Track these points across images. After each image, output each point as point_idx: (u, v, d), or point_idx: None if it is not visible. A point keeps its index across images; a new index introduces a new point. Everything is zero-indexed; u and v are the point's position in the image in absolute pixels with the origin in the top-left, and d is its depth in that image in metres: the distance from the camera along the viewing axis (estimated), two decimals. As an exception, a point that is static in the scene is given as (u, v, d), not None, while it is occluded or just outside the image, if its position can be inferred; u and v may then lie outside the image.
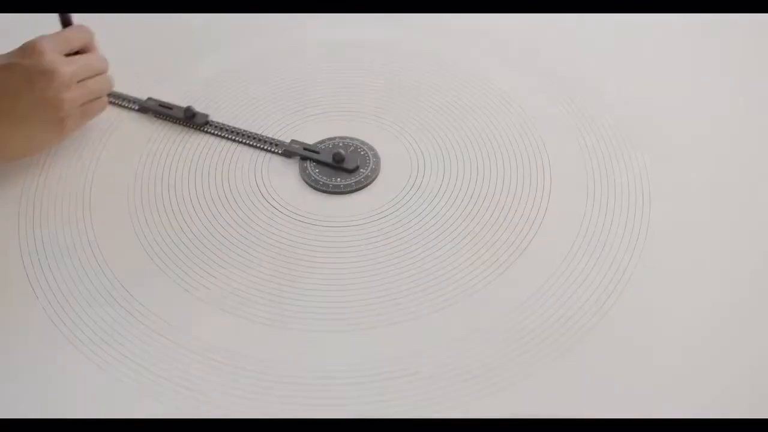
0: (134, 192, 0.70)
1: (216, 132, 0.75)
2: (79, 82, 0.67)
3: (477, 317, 0.60)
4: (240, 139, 0.75)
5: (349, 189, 0.70)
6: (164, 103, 0.77)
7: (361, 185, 0.71)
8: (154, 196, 0.70)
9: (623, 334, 0.59)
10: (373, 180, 0.71)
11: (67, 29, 0.70)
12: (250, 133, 0.75)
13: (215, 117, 0.77)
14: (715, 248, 0.65)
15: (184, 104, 0.77)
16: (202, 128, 0.75)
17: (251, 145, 0.74)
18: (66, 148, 0.74)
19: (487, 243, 0.66)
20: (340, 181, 0.71)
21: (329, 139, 0.75)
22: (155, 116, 0.77)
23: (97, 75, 0.70)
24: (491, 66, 0.83)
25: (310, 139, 0.75)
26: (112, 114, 0.77)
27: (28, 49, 0.65)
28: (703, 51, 0.85)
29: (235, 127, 0.75)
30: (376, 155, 0.73)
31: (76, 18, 0.73)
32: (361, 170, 0.72)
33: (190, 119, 0.75)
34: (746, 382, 0.56)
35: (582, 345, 0.58)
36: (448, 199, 0.69)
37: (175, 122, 0.76)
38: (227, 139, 0.75)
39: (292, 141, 0.74)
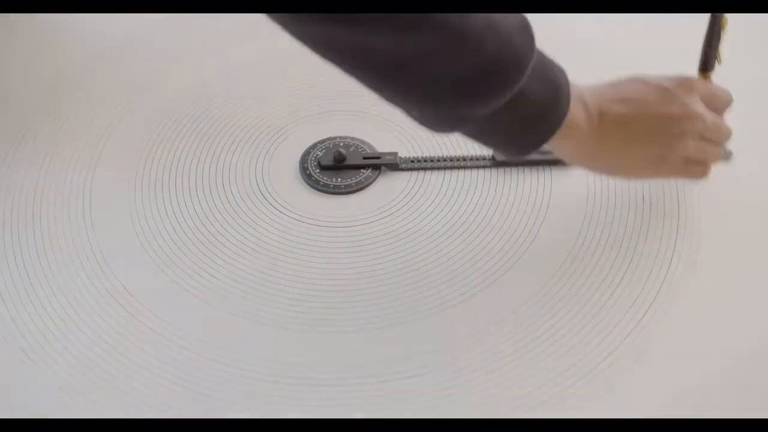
0: (134, 192, 0.70)
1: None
2: (702, 138, 0.60)
3: (478, 317, 0.60)
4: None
5: (349, 189, 0.70)
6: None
7: (361, 185, 0.70)
8: (155, 196, 0.70)
9: (621, 333, 0.59)
10: (373, 180, 0.71)
11: (717, 88, 0.63)
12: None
13: (215, 116, 0.77)
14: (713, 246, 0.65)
15: (188, 101, 0.77)
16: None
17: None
18: (66, 147, 0.74)
19: (488, 243, 0.66)
20: (340, 181, 0.71)
21: (329, 139, 0.75)
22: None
23: (715, 142, 0.62)
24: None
25: (310, 139, 0.74)
26: (116, 115, 0.77)
27: (682, 82, 0.59)
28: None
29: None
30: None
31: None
32: (361, 170, 0.72)
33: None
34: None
35: (581, 344, 0.58)
36: (448, 198, 0.69)
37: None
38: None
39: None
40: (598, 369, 0.57)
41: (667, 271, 0.63)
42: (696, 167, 0.62)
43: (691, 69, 0.63)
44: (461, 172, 0.71)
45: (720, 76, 0.64)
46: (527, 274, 0.63)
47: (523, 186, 0.70)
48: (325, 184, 0.70)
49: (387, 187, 0.71)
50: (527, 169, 0.71)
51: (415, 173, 0.72)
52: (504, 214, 0.68)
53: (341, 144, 0.74)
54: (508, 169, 0.71)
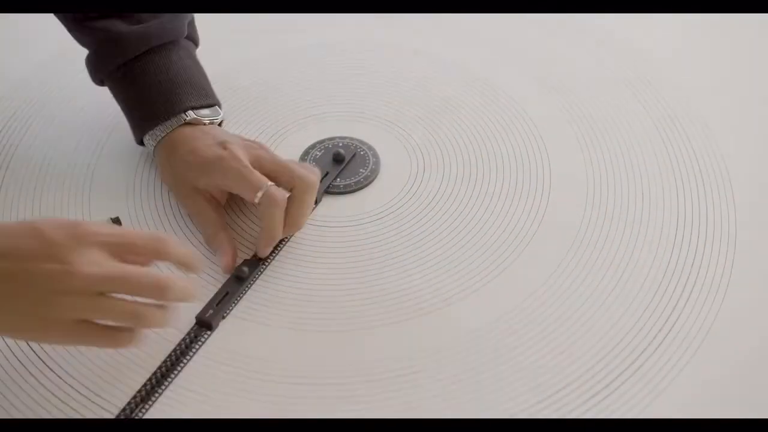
0: (134, 192, 0.70)
1: None
2: (101, 294, 0.50)
3: (478, 317, 0.60)
4: None
5: (349, 189, 0.70)
6: None
7: (360, 185, 0.70)
8: (154, 197, 0.70)
9: (621, 331, 0.59)
10: (373, 180, 0.71)
11: (127, 231, 0.54)
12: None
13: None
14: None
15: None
16: None
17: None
18: (66, 147, 0.74)
19: (487, 242, 0.66)
20: (340, 181, 0.71)
21: (329, 139, 0.75)
22: None
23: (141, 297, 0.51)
24: (492, 66, 0.83)
25: (311, 139, 0.74)
26: (116, 115, 0.77)
27: (76, 234, 0.49)
28: (704, 50, 0.85)
29: None
30: (375, 155, 0.73)
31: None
32: (361, 170, 0.72)
33: None
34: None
35: (581, 344, 0.58)
36: (447, 198, 0.69)
37: None
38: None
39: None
40: (598, 368, 0.57)
41: (666, 270, 0.63)
42: (111, 334, 0.52)
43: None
44: (461, 172, 0.71)
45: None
46: (527, 272, 0.63)
47: (523, 182, 0.70)
48: (324, 184, 0.70)
49: (387, 186, 0.71)
50: (520, 168, 0.71)
51: (414, 173, 0.72)
52: (504, 210, 0.68)
53: (341, 144, 0.74)
54: (501, 170, 0.71)
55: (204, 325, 0.59)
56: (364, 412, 0.55)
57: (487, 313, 0.61)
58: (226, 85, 0.81)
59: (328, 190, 0.70)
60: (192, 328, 0.59)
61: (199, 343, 0.58)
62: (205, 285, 0.62)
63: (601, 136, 0.75)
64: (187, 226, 0.68)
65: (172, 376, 0.56)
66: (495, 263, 0.64)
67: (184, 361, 0.57)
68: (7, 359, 0.58)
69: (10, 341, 0.59)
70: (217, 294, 0.61)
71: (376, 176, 0.71)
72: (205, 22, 0.86)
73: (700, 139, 0.74)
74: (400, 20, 0.88)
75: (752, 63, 0.83)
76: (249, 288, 0.62)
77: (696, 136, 0.75)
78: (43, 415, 0.54)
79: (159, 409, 0.55)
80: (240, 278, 0.61)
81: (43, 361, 0.58)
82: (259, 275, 0.63)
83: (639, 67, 0.82)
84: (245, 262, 0.63)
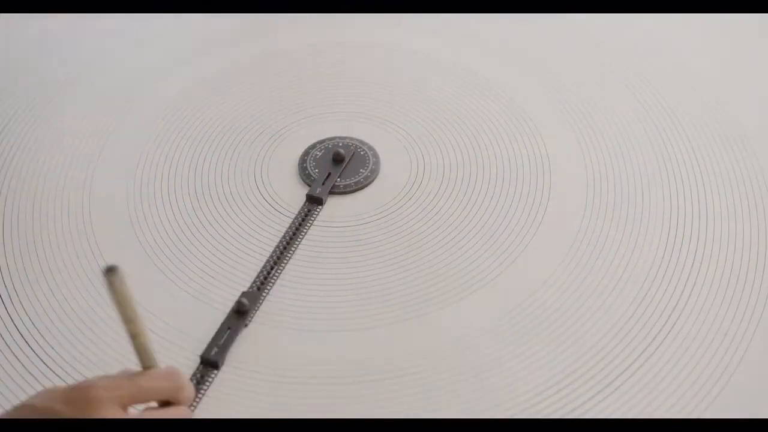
0: (133, 192, 0.70)
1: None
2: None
3: (477, 316, 0.60)
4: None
5: (348, 189, 0.70)
6: None
7: (360, 185, 0.71)
8: (154, 197, 0.70)
9: (621, 331, 0.59)
10: (373, 180, 0.71)
11: (146, 375, 0.46)
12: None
13: (216, 116, 0.77)
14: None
15: (189, 101, 0.77)
16: None
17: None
18: (66, 147, 0.74)
19: (487, 242, 0.66)
20: (340, 181, 0.71)
21: (329, 139, 0.75)
22: None
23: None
24: (492, 66, 0.83)
25: (311, 139, 0.75)
26: (116, 114, 0.77)
27: (81, 401, 0.44)
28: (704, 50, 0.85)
29: None
30: (375, 155, 0.73)
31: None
32: (361, 170, 0.72)
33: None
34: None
35: (581, 344, 0.58)
36: (447, 198, 0.69)
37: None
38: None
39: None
40: (598, 368, 0.57)
41: (666, 270, 0.63)
42: None
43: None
44: (460, 171, 0.71)
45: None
46: (528, 272, 0.63)
47: (523, 182, 0.70)
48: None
49: (387, 186, 0.71)
50: (520, 168, 0.72)
51: (414, 173, 0.72)
52: (504, 211, 0.68)
53: (340, 144, 0.74)
54: (501, 171, 0.71)
55: (210, 364, 0.57)
56: (365, 413, 0.55)
57: (487, 313, 0.61)
58: (226, 85, 0.81)
59: (330, 191, 0.70)
60: (198, 368, 0.57)
61: (207, 383, 0.56)
62: (205, 320, 0.60)
63: (602, 136, 0.75)
64: (188, 226, 0.68)
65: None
66: (495, 263, 0.64)
67: (194, 404, 0.55)
68: (8, 360, 0.58)
69: (10, 342, 0.59)
70: (219, 331, 0.59)
71: (376, 176, 0.71)
72: (205, 22, 0.86)
73: (700, 139, 0.74)
74: (400, 20, 0.88)
75: (752, 62, 0.83)
76: (251, 321, 0.60)
77: (696, 135, 0.75)
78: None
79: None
80: (240, 312, 0.60)
81: (45, 364, 0.58)
82: (259, 307, 0.61)
83: (639, 67, 0.82)
84: (244, 295, 0.61)
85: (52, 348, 0.59)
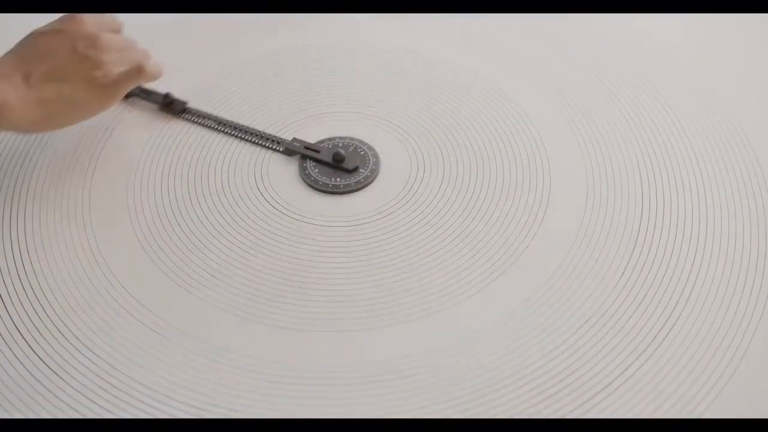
0: (133, 193, 0.70)
1: (197, 120, 0.76)
2: (117, 51, 0.69)
3: (477, 317, 0.60)
4: (237, 134, 0.75)
5: (348, 189, 0.70)
6: (146, 90, 0.79)
7: (360, 185, 0.71)
8: (154, 197, 0.70)
9: (621, 331, 0.59)
10: (373, 180, 0.71)
11: (101, 15, 0.72)
12: (250, 128, 0.75)
13: (216, 115, 0.77)
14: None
15: (189, 100, 0.77)
16: (180, 116, 0.77)
17: (252, 142, 0.74)
18: (65, 147, 0.74)
19: (487, 243, 0.66)
20: (339, 181, 0.71)
21: (329, 139, 0.75)
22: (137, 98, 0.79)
23: (132, 48, 0.72)
24: (492, 66, 0.83)
25: (311, 139, 0.75)
26: (116, 114, 0.77)
27: (68, 19, 0.68)
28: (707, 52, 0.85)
29: (217, 117, 0.77)
30: (375, 155, 0.73)
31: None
32: (361, 170, 0.72)
33: (168, 106, 0.77)
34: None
35: (581, 344, 0.58)
36: (447, 198, 0.69)
37: (160, 109, 0.78)
38: (217, 130, 0.75)
39: (294, 139, 0.74)
40: (598, 368, 0.57)
41: (666, 270, 0.63)
42: (133, 73, 0.70)
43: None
44: (460, 172, 0.71)
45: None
46: (528, 272, 0.63)
47: (523, 182, 0.70)
48: (324, 184, 0.71)
49: (387, 186, 0.71)
50: (520, 168, 0.72)
51: (414, 173, 0.72)
52: (504, 210, 0.68)
53: (341, 144, 0.74)
54: (501, 170, 0.71)
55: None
56: (365, 413, 0.55)
57: (487, 313, 0.61)
58: (226, 85, 0.81)
59: (330, 191, 0.70)
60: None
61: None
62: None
63: (602, 136, 0.75)
64: (186, 226, 0.68)
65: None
66: (495, 263, 0.64)
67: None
68: (8, 360, 0.58)
69: (10, 341, 0.59)
70: None
71: (376, 176, 0.71)
72: (204, 22, 0.86)
73: (700, 139, 0.74)
74: (400, 20, 0.88)
75: (752, 62, 0.83)
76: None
77: (696, 136, 0.75)
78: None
79: (160, 409, 0.55)
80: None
81: (49, 367, 0.58)
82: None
83: (639, 67, 0.82)
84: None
85: (53, 348, 0.59)
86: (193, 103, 0.78)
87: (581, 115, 0.77)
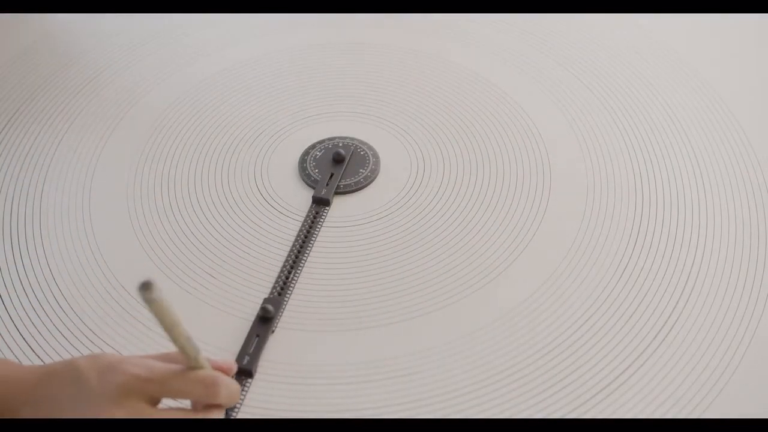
0: (134, 192, 0.70)
1: None
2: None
3: (476, 316, 0.60)
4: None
5: (348, 189, 0.70)
6: None
7: (360, 185, 0.71)
8: (154, 198, 0.70)
9: (621, 331, 0.59)
10: (373, 180, 0.71)
11: (182, 377, 0.47)
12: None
13: (216, 115, 0.77)
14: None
15: (189, 101, 0.77)
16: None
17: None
18: (65, 147, 0.74)
19: (487, 242, 0.66)
20: (340, 181, 0.71)
21: (329, 139, 0.75)
22: None
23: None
24: (492, 66, 0.83)
25: (311, 139, 0.75)
26: (116, 114, 0.77)
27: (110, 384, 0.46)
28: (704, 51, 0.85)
29: None
30: (376, 155, 0.73)
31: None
32: (361, 170, 0.72)
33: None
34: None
35: (581, 344, 0.58)
36: (447, 198, 0.69)
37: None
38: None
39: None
40: (599, 368, 0.57)
41: (666, 270, 0.63)
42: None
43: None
44: (461, 173, 0.71)
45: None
46: (528, 272, 0.63)
47: (523, 182, 0.70)
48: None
49: (387, 186, 0.71)
50: (520, 168, 0.72)
51: (414, 173, 0.72)
52: (504, 209, 0.68)
53: (340, 144, 0.74)
54: (501, 170, 0.71)
55: (244, 373, 0.57)
56: (367, 412, 0.55)
57: (487, 312, 0.61)
58: (227, 85, 0.81)
59: (334, 191, 0.70)
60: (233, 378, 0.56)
61: (244, 392, 0.56)
62: (232, 327, 0.60)
63: (602, 137, 0.75)
64: (186, 226, 0.68)
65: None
66: (495, 263, 0.64)
67: (234, 414, 0.55)
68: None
69: (10, 341, 0.59)
70: (248, 339, 0.58)
71: (376, 176, 0.71)
72: (205, 22, 0.86)
73: (700, 139, 0.74)
74: (400, 20, 0.88)
75: (752, 62, 0.83)
76: (277, 326, 0.60)
77: (696, 136, 0.75)
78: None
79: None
80: (266, 318, 0.59)
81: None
82: (283, 311, 0.61)
83: (639, 67, 0.82)
84: (267, 301, 0.61)
85: (53, 348, 0.59)
86: (192, 103, 0.78)
87: (581, 115, 0.77)
